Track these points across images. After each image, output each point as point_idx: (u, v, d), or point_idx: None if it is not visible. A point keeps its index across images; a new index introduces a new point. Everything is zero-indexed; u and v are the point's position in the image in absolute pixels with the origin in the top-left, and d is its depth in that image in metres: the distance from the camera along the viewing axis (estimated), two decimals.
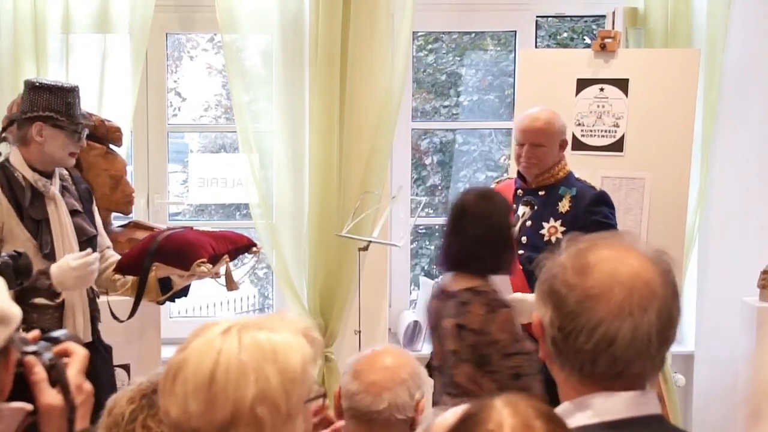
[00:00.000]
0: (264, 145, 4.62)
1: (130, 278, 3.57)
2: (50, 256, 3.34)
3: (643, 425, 1.50)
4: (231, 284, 3.64)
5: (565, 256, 1.55)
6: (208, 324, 1.57)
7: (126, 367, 4.08)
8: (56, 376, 1.43)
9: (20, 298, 3.16)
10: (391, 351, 2.45)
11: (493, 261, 3.15)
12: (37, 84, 3.42)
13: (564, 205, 3.81)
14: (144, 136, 4.76)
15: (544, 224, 3.78)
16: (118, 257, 3.64)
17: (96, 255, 3.35)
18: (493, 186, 3.99)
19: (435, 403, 3.05)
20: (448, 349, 3.10)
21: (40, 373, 1.41)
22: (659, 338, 1.49)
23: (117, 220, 4.29)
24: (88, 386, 1.48)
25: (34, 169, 3.38)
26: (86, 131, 3.50)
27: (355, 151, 4.56)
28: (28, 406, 1.40)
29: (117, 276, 3.58)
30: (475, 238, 3.12)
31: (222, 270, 3.60)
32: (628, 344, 1.48)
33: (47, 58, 4.37)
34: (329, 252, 4.55)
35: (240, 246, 3.69)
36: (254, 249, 3.74)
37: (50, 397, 1.41)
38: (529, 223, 3.73)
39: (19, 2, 4.33)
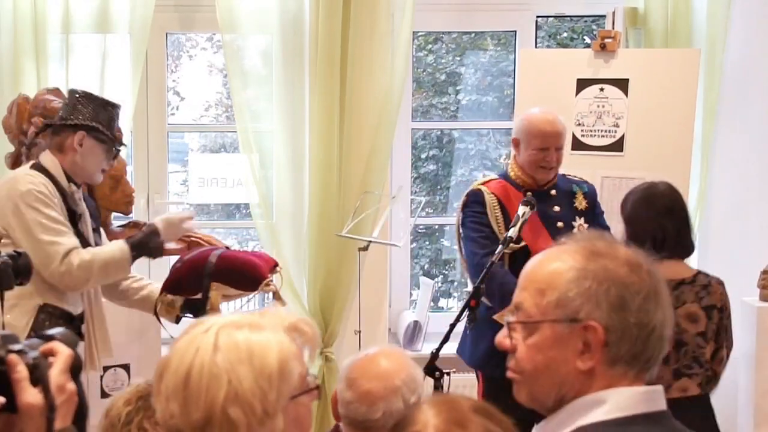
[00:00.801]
0: (264, 145, 4.62)
1: (176, 298, 3.56)
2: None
3: (653, 422, 1.51)
4: (281, 300, 3.66)
5: (604, 259, 1.54)
6: (197, 322, 1.59)
7: (126, 367, 4.09)
8: (38, 376, 1.43)
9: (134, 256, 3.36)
10: (385, 354, 2.42)
11: (692, 244, 3.55)
12: (87, 93, 3.42)
13: (581, 203, 3.93)
14: (144, 136, 4.76)
15: (573, 223, 3.89)
16: (151, 282, 3.64)
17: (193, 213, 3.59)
18: (479, 187, 3.90)
19: None
20: (692, 333, 3.42)
21: (21, 372, 1.41)
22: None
23: (117, 220, 4.29)
24: (70, 386, 1.48)
25: (69, 179, 3.37)
26: (118, 151, 3.51)
27: (355, 151, 4.56)
28: (1, 399, 1.40)
29: (167, 297, 3.55)
30: (688, 226, 3.49)
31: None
32: (666, 331, 1.55)
33: (47, 58, 4.37)
34: (329, 252, 4.55)
35: (272, 265, 3.72)
36: (277, 268, 3.76)
37: (30, 396, 1.42)
38: (560, 224, 3.83)
39: (19, 2, 4.33)
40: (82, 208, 3.42)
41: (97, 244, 3.48)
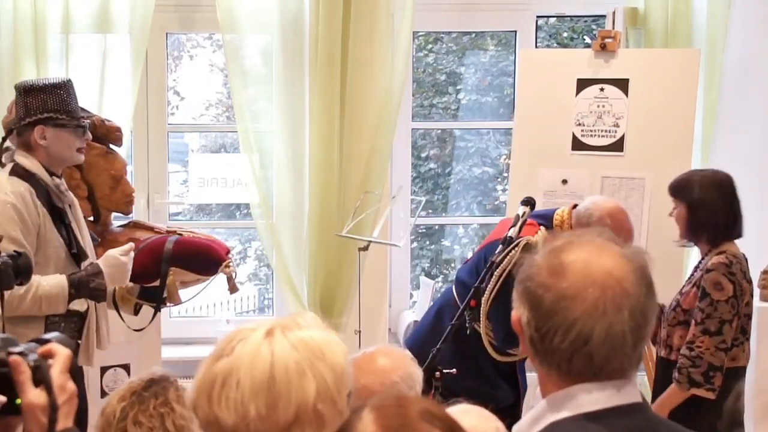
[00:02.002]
0: (264, 145, 4.62)
1: (134, 286, 3.55)
2: (78, 257, 3.30)
3: (625, 414, 1.52)
4: (234, 287, 3.67)
5: (540, 255, 1.56)
6: (242, 330, 1.57)
7: (126, 367, 4.09)
8: (40, 377, 1.45)
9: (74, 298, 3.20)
10: (384, 352, 2.42)
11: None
12: (29, 86, 3.31)
13: None
14: (144, 136, 4.76)
15: None
16: None
17: (132, 245, 3.38)
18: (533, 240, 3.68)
19: None
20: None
21: (25, 372, 1.43)
22: (634, 336, 1.51)
23: (117, 220, 4.29)
24: (71, 386, 1.49)
25: (50, 173, 3.30)
26: (88, 123, 3.42)
27: (355, 151, 4.56)
28: (2, 399, 1.42)
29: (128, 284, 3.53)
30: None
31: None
32: (602, 343, 1.49)
33: (47, 58, 4.37)
34: (329, 252, 4.55)
35: (226, 251, 3.74)
36: (230, 255, 3.78)
37: (33, 396, 1.43)
38: None
39: (19, 2, 4.33)
40: (70, 198, 3.36)
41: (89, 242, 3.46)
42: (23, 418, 1.45)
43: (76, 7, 4.43)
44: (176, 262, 3.54)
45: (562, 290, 1.50)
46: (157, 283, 3.56)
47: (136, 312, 3.57)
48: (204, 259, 3.58)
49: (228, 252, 3.72)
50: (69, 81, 3.38)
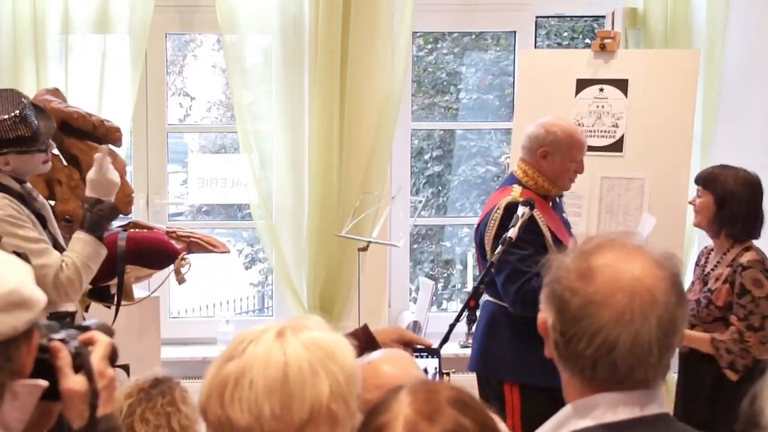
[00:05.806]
0: (264, 146, 4.62)
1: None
2: (58, 248, 3.25)
3: (650, 426, 1.49)
4: (181, 278, 3.68)
5: (570, 258, 1.54)
6: (251, 331, 1.56)
7: (125, 368, 4.07)
8: (80, 363, 1.47)
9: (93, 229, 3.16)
10: (388, 360, 2.31)
11: None
12: None
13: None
14: (143, 136, 4.76)
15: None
16: None
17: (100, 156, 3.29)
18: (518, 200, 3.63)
19: None
20: None
21: (65, 358, 1.46)
22: (660, 345, 1.48)
23: (116, 221, 4.28)
24: (110, 372, 1.51)
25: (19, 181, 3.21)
26: (50, 141, 3.26)
27: (355, 151, 4.57)
28: (43, 383, 1.44)
29: None
30: None
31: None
32: (628, 351, 1.46)
33: (47, 59, 4.38)
34: (329, 252, 4.55)
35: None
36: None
37: (73, 382, 1.45)
38: (572, 229, 3.88)
39: (19, 2, 4.33)
40: (41, 201, 3.30)
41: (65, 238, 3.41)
42: (63, 403, 1.47)
43: (76, 7, 4.43)
44: (132, 259, 3.52)
45: (589, 295, 1.48)
46: (113, 281, 3.54)
47: (86, 309, 3.56)
48: (158, 254, 3.59)
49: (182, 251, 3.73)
50: (27, 103, 3.16)
